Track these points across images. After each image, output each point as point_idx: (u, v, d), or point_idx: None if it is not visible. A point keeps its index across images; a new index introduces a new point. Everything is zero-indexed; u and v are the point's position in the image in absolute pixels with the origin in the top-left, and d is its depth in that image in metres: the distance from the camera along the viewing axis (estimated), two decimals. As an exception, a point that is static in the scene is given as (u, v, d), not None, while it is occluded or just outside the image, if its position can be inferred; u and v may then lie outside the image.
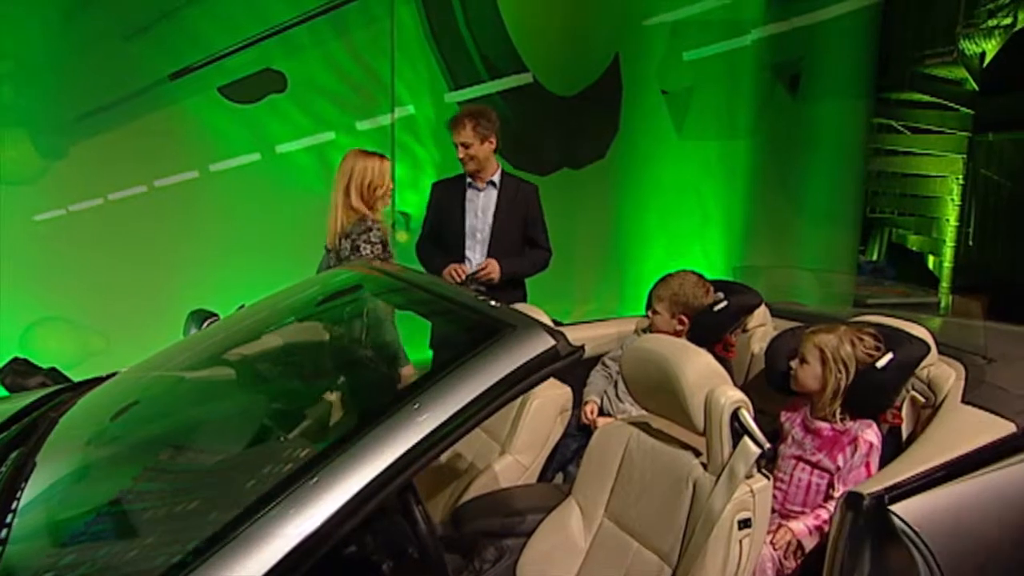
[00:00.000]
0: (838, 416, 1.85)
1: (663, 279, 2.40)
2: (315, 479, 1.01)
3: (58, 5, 4.10)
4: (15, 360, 3.09)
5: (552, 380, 2.32)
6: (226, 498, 1.31)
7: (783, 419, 2.03)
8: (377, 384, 1.53)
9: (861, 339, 1.88)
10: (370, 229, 2.70)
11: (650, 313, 2.43)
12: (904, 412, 1.87)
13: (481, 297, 1.39)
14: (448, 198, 3.10)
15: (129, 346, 2.91)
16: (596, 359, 2.67)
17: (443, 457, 2.46)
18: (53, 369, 3.19)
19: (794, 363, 1.89)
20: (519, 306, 2.38)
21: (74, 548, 1.28)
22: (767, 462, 1.58)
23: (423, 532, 1.23)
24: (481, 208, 3.06)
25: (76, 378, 2.68)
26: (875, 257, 7.24)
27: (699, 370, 1.50)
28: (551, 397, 2.22)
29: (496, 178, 3.07)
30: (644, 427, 1.74)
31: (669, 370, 1.52)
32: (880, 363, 1.79)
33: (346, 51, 4.83)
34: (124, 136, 4.33)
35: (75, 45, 4.15)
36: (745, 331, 2.51)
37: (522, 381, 1.12)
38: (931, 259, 6.89)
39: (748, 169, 5.97)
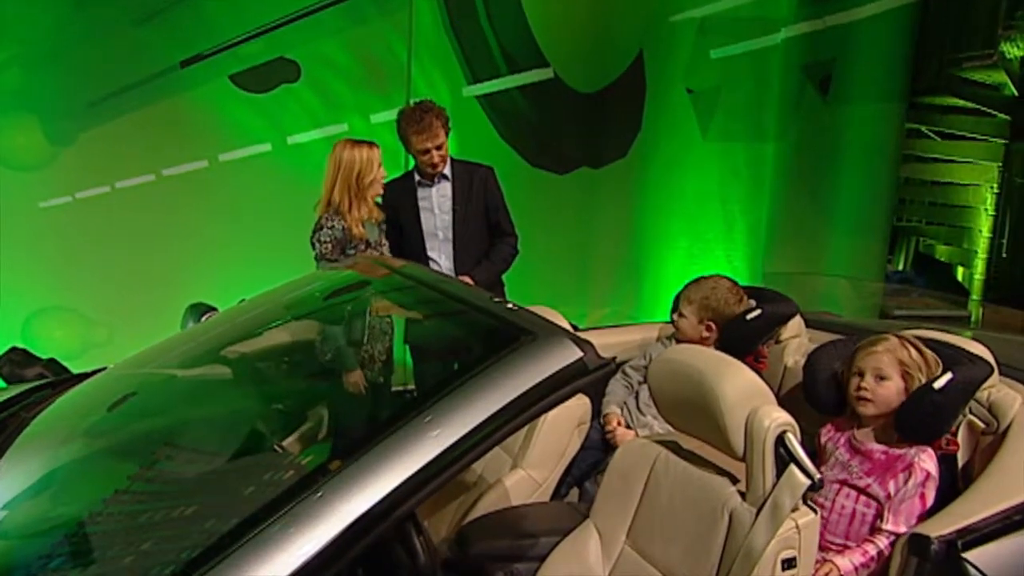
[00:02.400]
0: (895, 439, 1.68)
1: (695, 281, 2.24)
2: (319, 494, 0.87)
3: (68, -10, 4.01)
4: (12, 350, 2.99)
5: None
6: (214, 513, 1.17)
7: (824, 438, 1.85)
8: (379, 392, 1.37)
9: (922, 352, 1.71)
10: (321, 228, 2.66)
11: (675, 316, 2.27)
12: (960, 438, 1.69)
13: (496, 299, 1.23)
14: (400, 200, 2.91)
15: (132, 338, 2.80)
16: (616, 367, 2.50)
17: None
18: (52, 360, 3.09)
19: (865, 382, 1.71)
20: (537, 309, 2.21)
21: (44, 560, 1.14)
22: (820, 485, 1.41)
23: (423, 565, 1.08)
24: (436, 205, 2.89)
25: (76, 370, 2.57)
26: (902, 267, 7.01)
27: (740, 387, 1.33)
28: (568, 408, 2.05)
29: (446, 169, 2.88)
30: (673, 447, 1.57)
31: (705, 386, 1.35)
32: (938, 383, 1.61)
33: (362, 41, 4.70)
34: (133, 124, 4.23)
35: (85, 30, 4.05)
36: (778, 342, 2.33)
37: (545, 397, 0.97)
38: (960, 270, 6.65)
39: (775, 173, 5.76)
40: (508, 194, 5.25)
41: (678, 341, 2.30)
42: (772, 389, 2.35)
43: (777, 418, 1.29)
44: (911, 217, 6.88)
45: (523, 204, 5.36)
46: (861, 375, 1.73)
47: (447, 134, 2.80)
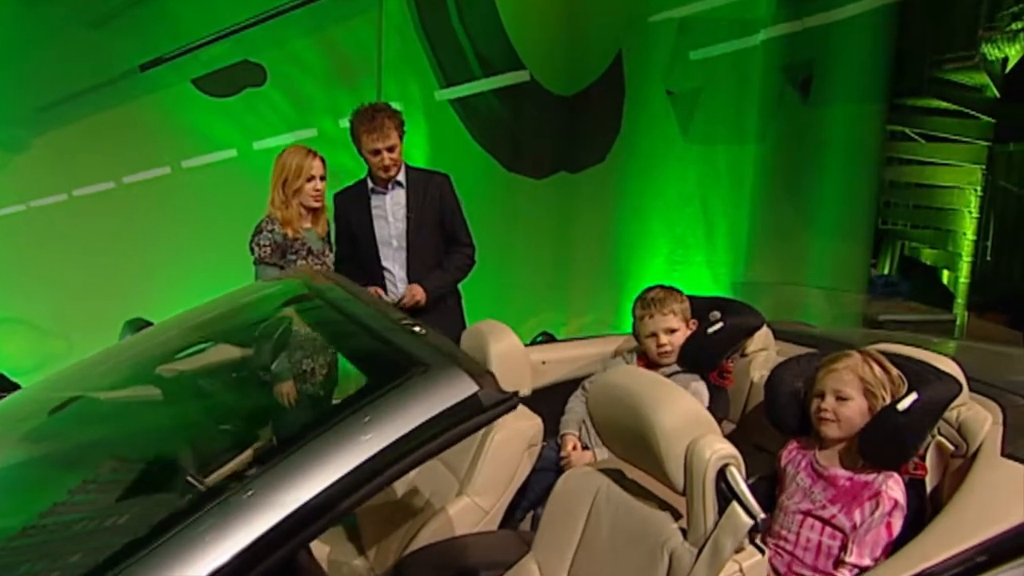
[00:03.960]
0: (860, 463, 1.57)
1: (656, 302, 2.13)
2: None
3: (18, -11, 3.87)
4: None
5: (520, 408, 2.03)
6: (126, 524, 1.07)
7: (783, 460, 1.74)
8: (244, 434, 1.24)
9: (886, 369, 1.60)
10: (260, 231, 2.60)
11: (662, 340, 2.12)
12: (928, 461, 1.58)
13: (405, 321, 1.11)
14: (353, 209, 2.82)
15: (92, 350, 2.68)
16: (576, 383, 2.38)
17: (397, 489, 2.18)
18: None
19: (826, 403, 1.59)
20: (481, 324, 2.09)
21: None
22: (763, 526, 1.29)
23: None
24: (390, 212, 2.79)
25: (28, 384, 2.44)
26: (887, 271, 6.91)
27: (679, 415, 1.21)
28: (517, 430, 1.93)
29: (400, 176, 2.79)
30: (617, 476, 1.45)
31: (642, 413, 1.23)
32: (903, 404, 1.50)
33: (330, 43, 4.58)
34: (91, 129, 4.11)
35: (38, 32, 3.92)
36: (744, 355, 2.22)
37: (433, 439, 0.84)
38: (946, 274, 6.56)
39: (756, 176, 5.66)
40: (484, 200, 5.18)
41: (647, 363, 2.17)
42: (738, 405, 2.26)
43: (719, 450, 1.17)
44: (896, 220, 6.78)
45: (499, 210, 5.32)
46: (822, 395, 1.61)
47: (401, 137, 2.70)
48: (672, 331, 2.10)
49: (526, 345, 2.54)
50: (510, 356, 1.99)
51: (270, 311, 1.50)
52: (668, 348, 2.11)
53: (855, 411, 1.58)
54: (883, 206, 6.57)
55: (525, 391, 2.04)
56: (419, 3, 4.74)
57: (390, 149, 2.66)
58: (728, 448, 1.18)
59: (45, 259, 4.09)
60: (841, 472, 1.59)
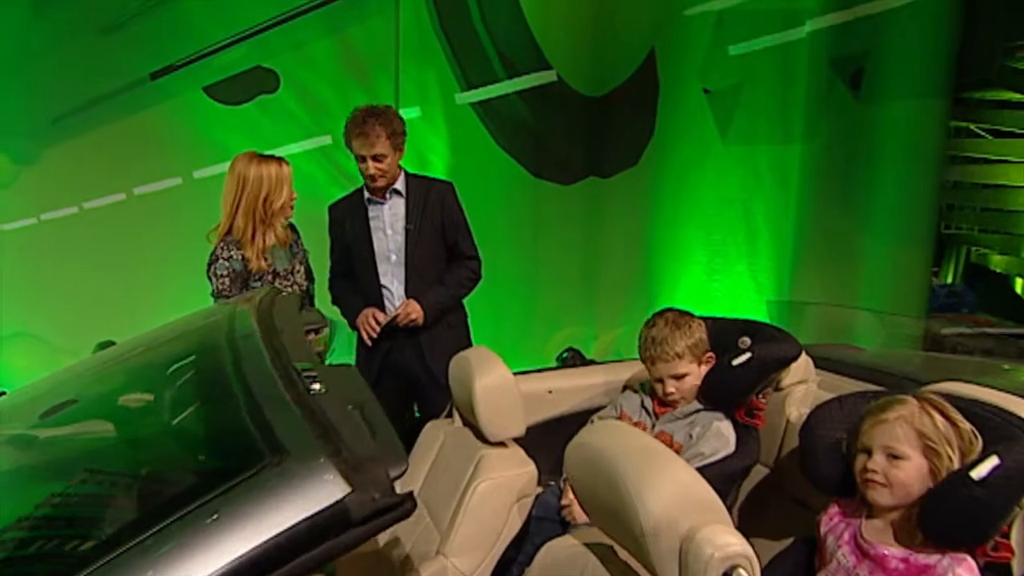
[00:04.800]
0: (919, 539, 1.24)
1: (656, 341, 1.83)
2: None
3: (27, -2, 3.81)
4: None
5: (510, 451, 1.76)
6: None
7: (823, 527, 1.42)
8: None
9: (953, 421, 1.27)
10: (216, 259, 2.35)
11: (670, 387, 1.82)
12: (1014, 539, 1.23)
13: (306, 373, 0.85)
14: (349, 220, 2.60)
15: None
16: (585, 416, 2.09)
17: (380, 537, 1.93)
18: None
19: (874, 462, 1.28)
20: (469, 352, 1.83)
21: None
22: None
23: None
24: (388, 224, 2.56)
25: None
26: (950, 279, 6.35)
27: (672, 496, 0.92)
28: (504, 480, 1.65)
29: (400, 185, 2.54)
30: (605, 555, 1.16)
31: (623, 490, 0.94)
32: (979, 471, 1.16)
33: (345, 47, 4.41)
34: (101, 140, 4.02)
35: (48, 41, 3.85)
36: (779, 389, 1.89)
37: (273, 568, 0.57)
38: (1019, 282, 6.00)
39: (802, 178, 5.24)
40: (509, 208, 4.93)
41: (662, 400, 1.87)
42: (772, 448, 1.93)
43: (724, 546, 0.87)
44: (960, 224, 6.24)
45: (525, 219, 5.05)
46: (869, 452, 1.29)
47: (395, 147, 2.46)
48: (681, 377, 1.80)
49: (540, 369, 2.29)
50: (498, 391, 1.72)
51: (157, 363, 1.26)
52: (677, 396, 1.81)
53: (911, 474, 1.25)
54: (945, 209, 6.05)
55: (517, 431, 1.76)
56: (438, 1, 4.53)
57: (376, 158, 2.43)
58: (737, 544, 0.88)
59: (56, 273, 4.01)
60: (894, 551, 1.26)
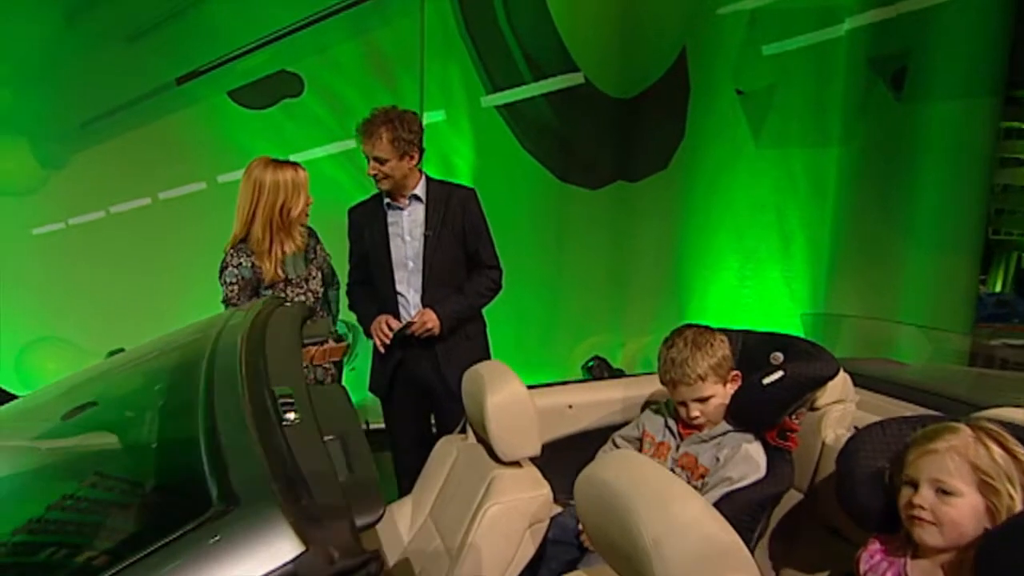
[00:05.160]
0: None
1: (675, 363, 1.70)
2: None
3: (59, 6, 3.84)
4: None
5: (524, 472, 1.66)
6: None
7: (863, 566, 1.29)
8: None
9: (1012, 452, 1.14)
10: (226, 267, 2.29)
11: (694, 410, 1.71)
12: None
13: (283, 400, 0.76)
14: (368, 226, 2.53)
15: None
16: (606, 433, 1.99)
17: (390, 555, 1.85)
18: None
19: (921, 497, 1.15)
20: (481, 366, 1.74)
21: None
22: None
23: None
24: (407, 230, 2.48)
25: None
26: (999, 288, 6.07)
27: (688, 541, 0.81)
28: (517, 503, 1.56)
29: (420, 190, 2.47)
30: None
31: (634, 532, 0.84)
32: (1043, 514, 1.03)
33: (369, 50, 4.37)
34: (128, 145, 4.04)
35: (76, 48, 3.88)
36: (815, 409, 1.76)
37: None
38: (1073, 291, 5.70)
39: (840, 182, 5.05)
40: (535, 213, 4.84)
41: (687, 424, 1.75)
42: (806, 472, 1.80)
43: (749, 604, 0.76)
44: (1011, 230, 5.96)
45: (552, 224, 4.95)
46: (915, 485, 1.17)
47: (397, 153, 2.37)
48: (705, 399, 1.68)
49: (560, 382, 2.20)
50: (511, 409, 1.62)
51: (130, 388, 1.19)
52: (703, 419, 1.69)
53: (965, 513, 1.12)
54: (993, 214, 5.78)
55: (531, 451, 1.67)
56: (463, 3, 4.47)
57: (378, 160, 2.37)
58: (763, 601, 0.77)
59: (84, 277, 4.05)
60: (946, 599, 1.14)
